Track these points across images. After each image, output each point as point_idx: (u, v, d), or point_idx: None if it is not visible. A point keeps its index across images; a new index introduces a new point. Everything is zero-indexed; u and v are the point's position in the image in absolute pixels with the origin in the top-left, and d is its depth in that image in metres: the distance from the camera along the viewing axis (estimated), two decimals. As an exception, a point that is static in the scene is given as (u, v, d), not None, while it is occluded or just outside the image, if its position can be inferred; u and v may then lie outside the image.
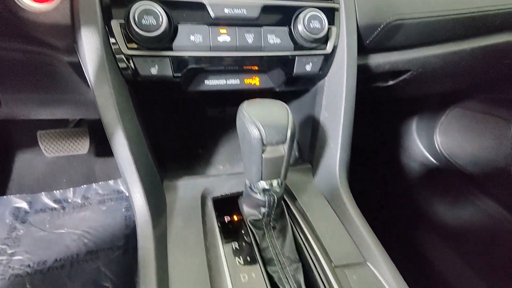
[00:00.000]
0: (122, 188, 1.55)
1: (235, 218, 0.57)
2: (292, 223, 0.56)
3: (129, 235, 1.38)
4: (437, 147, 1.66)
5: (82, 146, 1.38)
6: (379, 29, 0.66)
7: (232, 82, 0.64)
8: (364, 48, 0.71)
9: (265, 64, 0.61)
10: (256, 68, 0.63)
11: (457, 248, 1.42)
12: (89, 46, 0.49)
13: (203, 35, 0.53)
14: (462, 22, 0.74)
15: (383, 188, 1.87)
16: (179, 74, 0.55)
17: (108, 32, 0.50)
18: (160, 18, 0.48)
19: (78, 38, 0.49)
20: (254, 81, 0.66)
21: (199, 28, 0.52)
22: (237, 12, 0.53)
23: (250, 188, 0.53)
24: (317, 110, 0.70)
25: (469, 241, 1.39)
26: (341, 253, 0.53)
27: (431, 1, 0.68)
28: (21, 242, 1.30)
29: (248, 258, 0.50)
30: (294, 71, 0.62)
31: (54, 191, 1.47)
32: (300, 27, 0.56)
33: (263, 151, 0.46)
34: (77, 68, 0.56)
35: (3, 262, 1.22)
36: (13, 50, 0.51)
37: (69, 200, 1.47)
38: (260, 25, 0.55)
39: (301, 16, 0.56)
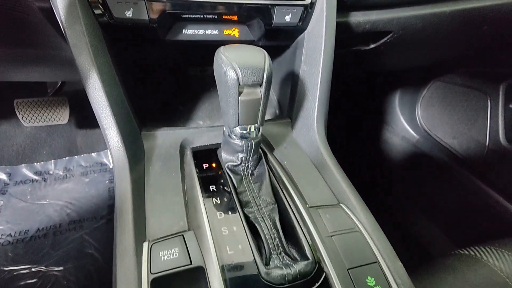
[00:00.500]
0: (105, 160, 1.53)
1: (214, 165, 0.58)
2: (269, 170, 0.57)
3: (113, 206, 1.37)
4: (418, 121, 1.70)
5: (62, 116, 1.35)
6: (358, -17, 0.66)
7: (211, 32, 0.63)
8: (344, 4, 0.71)
9: (244, 14, 0.60)
10: (235, 18, 0.63)
11: (431, 215, 1.49)
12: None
13: (181, -22, 0.52)
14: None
15: (365, 162, 1.92)
16: (155, 18, 0.54)
17: None
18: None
19: None
20: (234, 33, 0.65)
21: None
22: None
23: (229, 135, 0.54)
24: (297, 65, 0.70)
25: (442, 208, 1.46)
26: (316, 196, 0.55)
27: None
28: (1, 213, 1.28)
29: (225, 199, 0.51)
30: (274, 21, 0.62)
31: (35, 163, 1.44)
32: None
33: (239, 93, 0.46)
34: (49, 16, 0.54)
35: (-17, 233, 1.21)
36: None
37: (51, 172, 1.45)
38: None
39: None
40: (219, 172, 0.56)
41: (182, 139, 0.62)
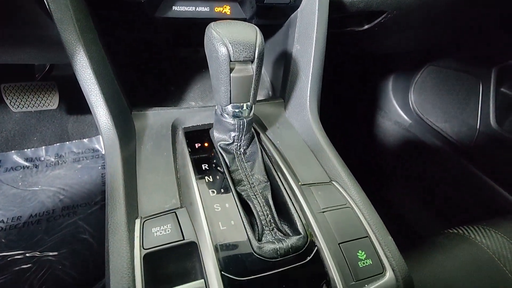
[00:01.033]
0: (97, 146, 1.52)
1: (206, 145, 0.57)
2: (262, 150, 0.57)
3: (107, 192, 1.37)
4: (411, 106, 1.70)
5: (52, 101, 1.32)
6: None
7: (201, 9, 0.62)
8: (337, -19, 0.69)
9: None
10: (226, -6, 0.61)
11: (422, 198, 1.52)
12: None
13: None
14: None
15: (358, 147, 1.93)
16: None
17: None
18: None
19: None
20: (225, 10, 0.63)
21: None
22: None
23: (221, 113, 0.53)
24: (290, 44, 0.69)
25: (433, 191, 1.49)
26: (308, 174, 0.55)
27: None
28: (-9, 199, 1.27)
29: (217, 177, 0.51)
30: None
31: (25, 150, 1.42)
32: None
33: (231, 70, 0.45)
34: None
35: (-25, 219, 1.20)
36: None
37: (42, 159, 1.43)
38: None
39: None
40: (212, 152, 0.56)
41: (173, 119, 0.61)
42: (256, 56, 0.45)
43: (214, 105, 0.56)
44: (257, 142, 0.57)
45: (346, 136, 1.96)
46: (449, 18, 1.04)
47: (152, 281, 0.37)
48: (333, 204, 0.50)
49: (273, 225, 0.47)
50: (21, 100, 1.30)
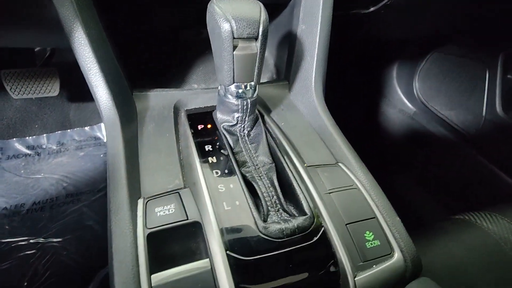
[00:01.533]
0: (99, 134, 1.51)
1: (209, 126, 0.56)
2: (266, 131, 0.56)
3: (109, 179, 1.37)
4: (415, 93, 1.68)
5: (53, 88, 1.31)
6: None
7: (203, -14, 0.59)
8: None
9: None
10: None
11: (428, 186, 1.51)
12: None
13: None
14: None
15: (361, 135, 1.92)
16: None
17: None
18: None
19: None
20: (228, -13, 0.61)
21: None
22: None
23: (224, 94, 0.52)
24: (295, 24, 0.67)
25: (438, 179, 1.48)
26: (314, 156, 0.54)
27: None
28: (-6, 187, 1.27)
29: (221, 158, 0.50)
30: None
31: (27, 138, 1.41)
32: None
33: (234, 48, 0.44)
34: None
35: (-22, 206, 1.20)
36: None
37: (44, 147, 1.43)
38: None
39: None
40: (215, 133, 0.54)
41: (175, 100, 0.60)
42: (260, 33, 0.44)
43: (217, 87, 0.54)
44: (261, 124, 0.56)
45: (349, 122, 1.94)
46: (456, 1, 1.00)
47: (156, 260, 0.36)
48: (340, 185, 0.49)
49: (279, 206, 0.46)
50: (22, 87, 1.28)
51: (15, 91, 1.28)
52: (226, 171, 0.48)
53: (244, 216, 0.42)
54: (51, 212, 1.22)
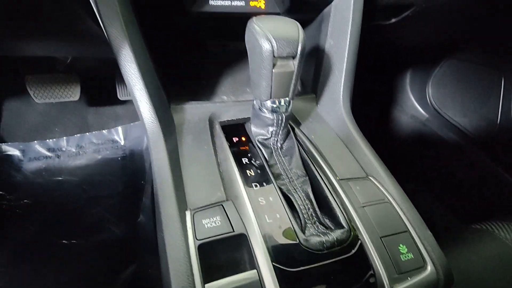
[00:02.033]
0: (116, 137, 1.54)
1: (243, 139, 0.58)
2: (298, 144, 0.58)
3: (127, 183, 1.40)
4: (428, 100, 1.68)
5: (74, 93, 1.34)
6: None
7: (237, 3, 0.62)
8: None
9: None
10: (262, -12, 0.61)
11: (441, 194, 1.52)
12: None
13: None
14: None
15: (373, 142, 1.92)
16: None
17: None
18: None
19: None
20: (260, 4, 0.64)
21: None
22: None
23: (259, 108, 0.54)
24: (323, 39, 0.69)
25: (452, 187, 1.48)
26: (345, 169, 0.56)
27: None
28: (17, 188, 1.30)
29: (259, 171, 0.52)
30: None
31: (47, 140, 1.45)
32: None
33: (273, 65, 0.46)
34: None
35: (3, 207, 1.23)
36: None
37: (63, 149, 1.46)
38: None
39: None
40: (250, 146, 0.57)
41: (210, 113, 0.62)
42: (298, 52, 0.46)
43: (247, 99, 0.56)
44: (293, 137, 0.58)
45: (361, 128, 1.95)
46: (475, 9, 1.02)
47: (207, 270, 0.39)
48: (372, 199, 0.51)
49: (315, 218, 0.48)
50: (44, 92, 1.31)
51: (37, 96, 1.31)
52: (265, 184, 0.50)
53: (286, 229, 0.44)
54: (72, 214, 1.26)
